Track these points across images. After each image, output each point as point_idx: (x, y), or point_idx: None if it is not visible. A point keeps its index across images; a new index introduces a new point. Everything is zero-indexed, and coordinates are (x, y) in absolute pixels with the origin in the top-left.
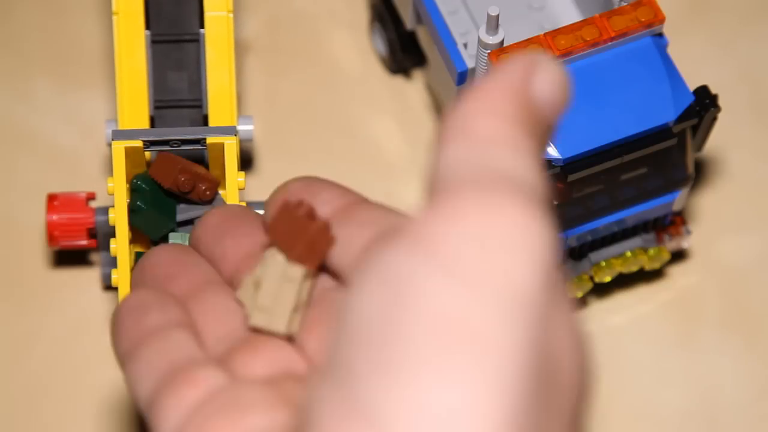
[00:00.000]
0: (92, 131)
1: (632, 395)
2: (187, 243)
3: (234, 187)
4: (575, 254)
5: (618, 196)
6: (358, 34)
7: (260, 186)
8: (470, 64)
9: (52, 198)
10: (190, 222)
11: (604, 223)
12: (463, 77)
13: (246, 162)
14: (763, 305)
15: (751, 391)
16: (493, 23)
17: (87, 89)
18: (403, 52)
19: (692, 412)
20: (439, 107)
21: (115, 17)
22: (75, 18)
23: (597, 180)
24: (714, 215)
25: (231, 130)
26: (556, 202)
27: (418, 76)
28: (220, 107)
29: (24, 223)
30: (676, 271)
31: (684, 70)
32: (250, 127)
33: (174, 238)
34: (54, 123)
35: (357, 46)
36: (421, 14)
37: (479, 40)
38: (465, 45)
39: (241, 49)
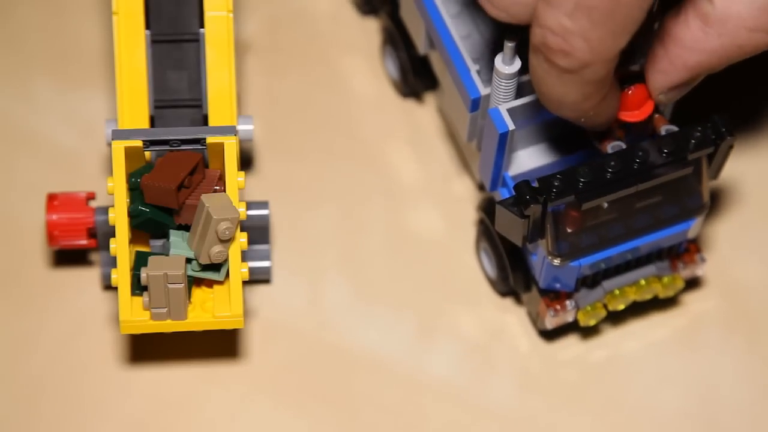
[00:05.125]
0: (92, 131)
1: (632, 395)
2: (185, 242)
3: (234, 187)
4: (589, 282)
5: (632, 224)
6: (358, 33)
7: (260, 186)
8: (483, 91)
9: (52, 198)
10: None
11: (618, 251)
12: (476, 104)
13: (246, 162)
14: (764, 305)
15: (751, 392)
16: (510, 53)
17: (87, 89)
18: (415, 76)
19: (692, 412)
20: (451, 131)
21: (115, 17)
22: (75, 18)
23: (612, 208)
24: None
25: (231, 130)
26: (569, 230)
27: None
28: (219, 107)
29: (24, 223)
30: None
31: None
32: (249, 127)
33: (175, 235)
34: (54, 123)
35: (357, 46)
36: (433, 39)
37: (495, 70)
38: (478, 71)
39: (241, 49)
